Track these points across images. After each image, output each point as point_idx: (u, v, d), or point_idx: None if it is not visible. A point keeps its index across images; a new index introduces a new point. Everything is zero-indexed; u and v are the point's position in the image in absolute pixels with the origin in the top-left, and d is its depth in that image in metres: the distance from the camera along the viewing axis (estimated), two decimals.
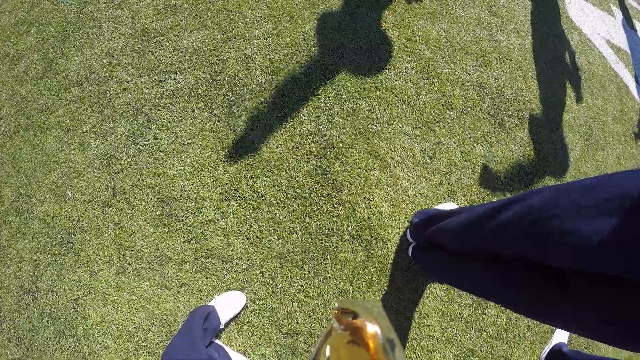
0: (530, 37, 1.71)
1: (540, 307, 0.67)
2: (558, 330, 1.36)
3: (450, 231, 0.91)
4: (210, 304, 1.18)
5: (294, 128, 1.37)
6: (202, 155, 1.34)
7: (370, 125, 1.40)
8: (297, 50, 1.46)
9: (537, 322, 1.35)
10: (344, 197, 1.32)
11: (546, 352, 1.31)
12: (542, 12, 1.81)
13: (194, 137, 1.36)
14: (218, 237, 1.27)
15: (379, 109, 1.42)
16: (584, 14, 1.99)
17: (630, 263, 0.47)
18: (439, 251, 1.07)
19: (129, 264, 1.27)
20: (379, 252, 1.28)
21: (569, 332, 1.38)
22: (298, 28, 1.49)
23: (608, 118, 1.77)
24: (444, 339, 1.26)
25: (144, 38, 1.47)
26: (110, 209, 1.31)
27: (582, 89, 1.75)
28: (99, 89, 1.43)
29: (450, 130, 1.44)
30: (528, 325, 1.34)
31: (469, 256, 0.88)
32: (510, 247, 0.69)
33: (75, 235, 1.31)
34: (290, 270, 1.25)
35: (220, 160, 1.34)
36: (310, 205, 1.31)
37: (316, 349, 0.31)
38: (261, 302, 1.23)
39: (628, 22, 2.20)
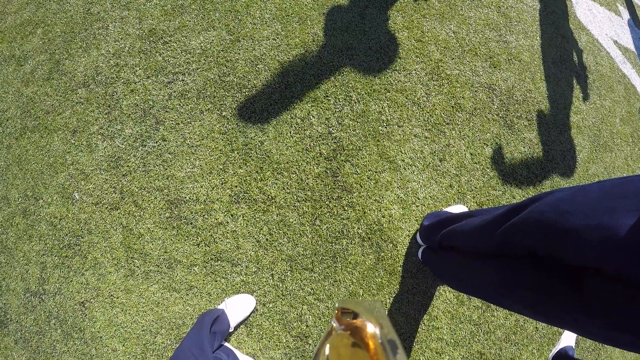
0: (538, 38, 1.71)
1: (551, 310, 0.66)
2: (566, 332, 1.36)
3: (465, 233, 0.91)
4: (219, 307, 1.18)
5: (304, 130, 1.36)
6: (211, 158, 1.33)
7: (380, 127, 1.39)
8: (306, 51, 1.45)
9: (545, 324, 1.35)
10: (354, 200, 1.31)
11: (553, 354, 1.31)
12: (550, 12, 1.80)
13: (202, 139, 1.35)
14: (227, 240, 1.26)
15: (388, 110, 1.41)
16: (592, 15, 1.98)
17: None
18: (449, 253, 1.06)
19: (137, 266, 1.26)
20: (389, 254, 1.28)
21: (576, 335, 1.38)
22: (307, 29, 1.47)
23: (616, 119, 1.76)
24: (453, 341, 1.26)
25: (152, 39, 1.46)
26: (118, 211, 1.30)
27: (590, 90, 1.75)
28: (106, 90, 1.42)
29: (459, 132, 1.43)
30: (536, 327, 1.34)
31: (481, 258, 0.87)
32: (527, 245, 0.68)
33: (82, 237, 1.30)
34: (300, 273, 1.25)
35: (230, 163, 1.33)
36: (321, 207, 1.30)
37: (316, 349, 0.31)
38: (271, 305, 1.22)
39: (635, 22, 2.19)
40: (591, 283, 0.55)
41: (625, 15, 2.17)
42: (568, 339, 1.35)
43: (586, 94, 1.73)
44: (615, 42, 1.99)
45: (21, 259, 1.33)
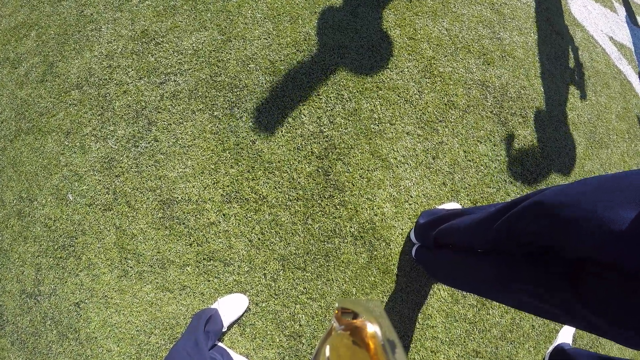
0: (532, 35, 1.70)
1: (550, 306, 0.66)
2: (562, 329, 1.36)
3: (460, 230, 0.90)
4: (212, 306, 1.18)
5: (296, 129, 1.36)
6: (203, 158, 1.34)
7: (372, 126, 1.39)
8: (297, 51, 1.45)
9: (542, 322, 1.34)
10: (346, 198, 1.31)
11: (550, 351, 1.31)
12: (545, 9, 1.80)
13: (194, 139, 1.35)
14: (220, 240, 1.27)
15: (381, 108, 1.41)
16: (587, 11, 1.97)
17: None
18: (444, 251, 1.06)
19: (130, 267, 1.26)
20: (382, 253, 1.27)
21: (573, 331, 1.37)
22: (298, 28, 1.48)
23: (612, 115, 1.75)
24: (447, 339, 1.25)
25: (144, 40, 1.46)
26: (112, 212, 1.31)
27: (586, 87, 1.74)
28: (99, 91, 1.42)
29: (453, 129, 1.43)
30: (532, 325, 1.33)
31: (476, 254, 0.87)
32: (523, 238, 0.68)
33: (76, 238, 1.31)
34: (292, 272, 1.24)
35: (222, 162, 1.33)
36: (313, 206, 1.30)
37: (316, 350, 0.31)
38: (264, 305, 1.22)
39: (631, 18, 2.18)
40: (589, 276, 0.55)
41: (621, 11, 2.16)
42: (565, 336, 1.34)
43: (581, 90, 1.72)
44: (611, 38, 1.98)
45: (16, 260, 1.33)
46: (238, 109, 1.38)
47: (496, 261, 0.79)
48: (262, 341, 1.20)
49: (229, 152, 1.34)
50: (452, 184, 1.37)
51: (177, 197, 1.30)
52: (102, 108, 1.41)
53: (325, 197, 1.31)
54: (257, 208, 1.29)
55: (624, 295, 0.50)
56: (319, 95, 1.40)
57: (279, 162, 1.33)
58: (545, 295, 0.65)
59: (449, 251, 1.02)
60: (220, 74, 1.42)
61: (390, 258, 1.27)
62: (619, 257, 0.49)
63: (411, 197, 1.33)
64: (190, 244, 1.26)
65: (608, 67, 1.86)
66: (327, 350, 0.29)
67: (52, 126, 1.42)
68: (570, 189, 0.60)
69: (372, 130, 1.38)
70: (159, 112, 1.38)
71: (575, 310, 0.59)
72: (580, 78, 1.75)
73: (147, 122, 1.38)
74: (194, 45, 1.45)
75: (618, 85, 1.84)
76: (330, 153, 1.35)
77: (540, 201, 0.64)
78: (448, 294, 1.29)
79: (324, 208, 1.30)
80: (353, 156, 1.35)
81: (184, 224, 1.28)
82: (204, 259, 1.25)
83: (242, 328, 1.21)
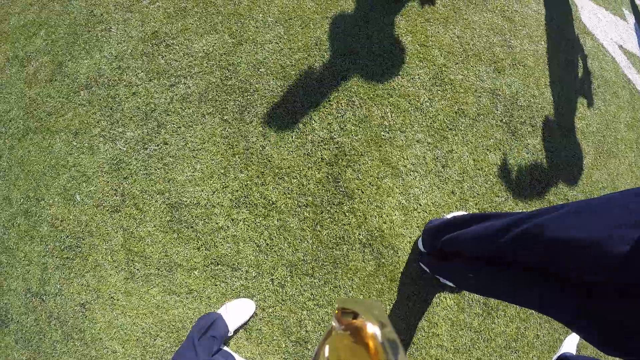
0: (543, 43, 1.69)
1: (556, 311, 0.67)
2: (566, 339, 1.36)
3: (468, 240, 0.91)
4: (219, 310, 1.18)
5: (306, 135, 1.36)
6: (213, 162, 1.33)
7: (382, 133, 1.38)
8: (308, 55, 1.44)
9: (546, 331, 1.34)
10: (355, 205, 1.31)
11: None
12: (555, 17, 1.79)
13: (204, 143, 1.35)
14: (228, 245, 1.26)
15: (391, 115, 1.40)
16: (597, 19, 1.96)
17: None
18: (451, 259, 1.07)
19: (137, 269, 1.26)
20: (390, 260, 1.27)
21: (577, 341, 1.37)
22: (310, 32, 1.47)
23: (620, 125, 1.74)
24: (453, 348, 1.25)
25: (154, 41, 1.46)
26: (119, 214, 1.31)
27: (595, 96, 1.73)
28: (108, 92, 1.42)
29: (462, 137, 1.42)
30: (537, 334, 1.33)
31: (483, 265, 0.88)
32: (526, 258, 0.69)
33: (83, 239, 1.31)
34: (300, 279, 1.24)
35: (231, 167, 1.33)
36: (322, 213, 1.29)
37: (316, 350, 0.31)
38: (270, 310, 1.22)
39: None
40: (596, 296, 0.56)
41: (631, 20, 2.15)
42: (569, 345, 1.34)
43: (591, 99, 1.71)
44: (621, 46, 1.97)
45: (22, 259, 1.33)
46: (248, 113, 1.37)
47: (501, 273, 0.80)
48: (268, 346, 1.20)
49: (238, 157, 1.33)
50: (461, 192, 1.37)
51: (186, 201, 1.30)
52: (111, 109, 1.40)
53: (334, 204, 1.31)
54: (266, 213, 1.29)
55: (630, 309, 0.51)
56: (329, 101, 1.40)
57: (288, 167, 1.33)
58: (553, 303, 0.66)
59: (457, 260, 1.03)
60: (231, 77, 1.41)
61: (397, 266, 1.27)
62: (625, 279, 0.50)
63: (420, 205, 1.33)
64: (198, 248, 1.26)
65: (617, 76, 1.85)
66: (327, 351, 0.29)
67: (60, 126, 1.41)
68: (576, 213, 0.62)
69: (383, 137, 1.38)
70: (168, 114, 1.38)
71: (586, 326, 0.60)
72: (590, 87, 1.74)
73: (157, 125, 1.37)
74: (204, 48, 1.44)
75: (627, 95, 1.83)
76: (340, 160, 1.34)
77: (541, 225, 0.65)
78: (454, 302, 1.29)
79: (333, 215, 1.30)
80: (363, 163, 1.34)
81: (192, 227, 1.28)
82: (211, 263, 1.25)
83: (248, 333, 1.21)
